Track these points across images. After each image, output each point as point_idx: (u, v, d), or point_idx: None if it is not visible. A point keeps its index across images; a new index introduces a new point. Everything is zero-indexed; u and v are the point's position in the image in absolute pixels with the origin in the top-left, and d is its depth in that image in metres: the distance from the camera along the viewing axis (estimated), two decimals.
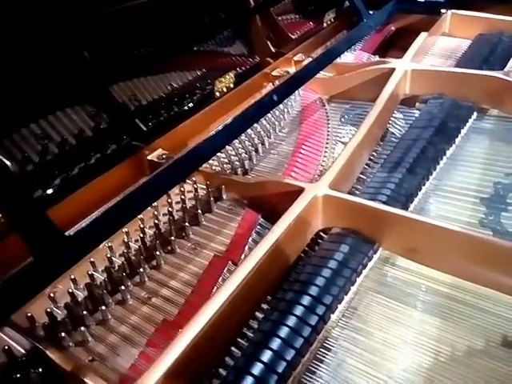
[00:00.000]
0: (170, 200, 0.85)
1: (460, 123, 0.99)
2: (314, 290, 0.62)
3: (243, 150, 1.01)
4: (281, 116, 1.11)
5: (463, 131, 0.99)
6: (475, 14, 1.43)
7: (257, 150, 1.02)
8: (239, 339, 0.61)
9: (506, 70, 1.19)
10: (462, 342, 0.61)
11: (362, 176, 0.92)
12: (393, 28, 1.53)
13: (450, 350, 0.60)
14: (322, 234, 0.78)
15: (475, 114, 1.04)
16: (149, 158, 0.90)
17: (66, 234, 0.56)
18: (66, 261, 0.55)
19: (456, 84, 1.08)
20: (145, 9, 0.95)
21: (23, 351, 0.58)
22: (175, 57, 1.03)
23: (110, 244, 0.76)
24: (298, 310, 0.59)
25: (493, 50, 1.27)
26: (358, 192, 0.86)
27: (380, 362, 0.60)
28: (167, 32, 1.01)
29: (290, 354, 0.55)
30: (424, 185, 0.85)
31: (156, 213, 0.82)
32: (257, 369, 0.53)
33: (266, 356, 0.54)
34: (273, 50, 1.22)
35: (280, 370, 0.54)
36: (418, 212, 0.81)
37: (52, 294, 0.67)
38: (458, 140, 0.97)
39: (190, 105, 0.99)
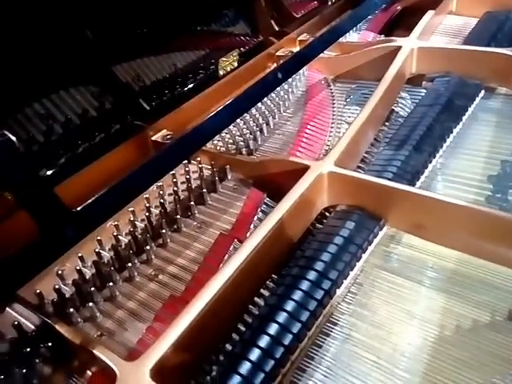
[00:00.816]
0: (175, 180, 0.85)
1: (467, 101, 0.98)
2: (319, 265, 0.62)
3: (248, 131, 1.00)
4: (285, 96, 1.11)
5: (470, 109, 0.98)
6: None
7: (261, 130, 1.01)
8: (245, 315, 0.62)
9: None
10: (468, 316, 0.61)
11: (367, 156, 0.91)
12: (399, 7, 1.50)
13: (455, 324, 0.61)
14: (327, 212, 0.78)
15: (483, 92, 1.03)
16: (153, 138, 0.90)
17: (73, 210, 0.56)
18: (72, 236, 0.55)
19: (463, 62, 1.06)
20: None
21: (33, 326, 0.59)
22: (178, 36, 1.02)
23: (116, 223, 0.76)
24: (304, 285, 0.60)
25: (500, 27, 1.24)
26: (365, 169, 0.85)
27: (386, 336, 0.60)
28: (170, 11, 1.00)
29: (296, 328, 0.55)
30: (430, 162, 0.84)
31: (161, 192, 0.82)
32: (263, 341, 0.53)
33: (273, 329, 0.55)
34: (277, 29, 1.20)
35: (287, 342, 0.54)
36: (425, 189, 0.81)
37: (60, 272, 0.67)
38: (465, 118, 0.96)
39: (194, 84, 0.98)
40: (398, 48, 1.09)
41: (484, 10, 1.36)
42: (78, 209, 0.57)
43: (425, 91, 1.06)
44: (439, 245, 0.70)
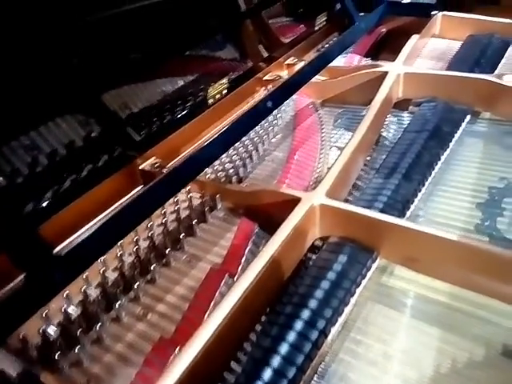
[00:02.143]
0: (163, 211, 0.83)
1: (454, 127, 0.99)
2: (313, 303, 0.61)
3: (237, 157, 0.99)
4: (274, 121, 1.10)
5: (457, 135, 0.99)
6: (465, 16, 1.43)
7: (251, 157, 1.00)
8: (240, 353, 0.60)
9: (496, 71, 1.20)
10: (463, 353, 0.61)
11: (357, 181, 0.91)
12: (384, 30, 1.52)
13: (450, 362, 0.60)
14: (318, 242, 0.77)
15: (468, 116, 1.05)
16: (141, 167, 0.89)
17: (59, 253, 0.54)
18: (59, 282, 0.53)
19: (448, 87, 1.08)
20: (135, 14, 0.93)
21: (15, 375, 0.57)
22: (166, 63, 1.01)
23: (103, 258, 0.74)
24: (298, 325, 0.58)
25: (483, 51, 1.27)
26: (354, 199, 0.85)
27: (380, 376, 0.59)
28: (158, 38, 1.00)
29: (291, 372, 0.54)
30: (420, 191, 0.85)
31: (150, 224, 0.81)
32: None
33: (267, 374, 0.53)
34: (265, 55, 1.21)
35: None
36: (414, 218, 0.81)
37: (44, 313, 0.65)
38: (452, 144, 0.97)
39: (184, 113, 0.97)
40: (385, 73, 1.11)
41: (467, 34, 1.39)
42: (64, 252, 0.55)
43: (411, 116, 1.07)
44: (432, 277, 0.69)
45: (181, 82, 1.03)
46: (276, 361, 0.55)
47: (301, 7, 1.40)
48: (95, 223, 0.67)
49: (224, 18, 1.11)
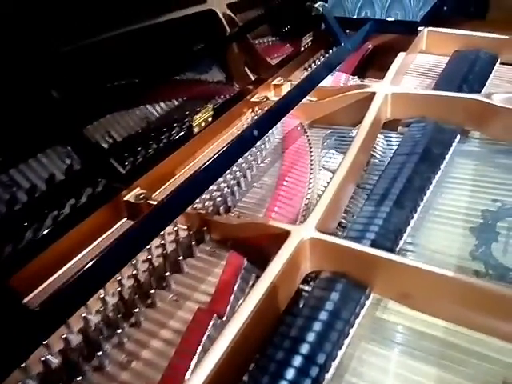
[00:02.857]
0: (149, 246, 0.80)
1: (444, 148, 0.98)
2: (305, 348, 0.59)
3: (225, 185, 0.97)
4: (262, 146, 1.08)
5: (447, 156, 0.97)
6: (451, 31, 1.43)
7: (239, 184, 0.98)
8: None
9: (485, 89, 1.19)
10: None
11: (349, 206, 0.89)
12: (370, 46, 1.52)
13: None
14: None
15: (458, 137, 1.03)
16: (125, 198, 0.86)
17: (33, 307, 0.51)
18: (36, 338, 0.50)
19: (437, 107, 1.07)
20: (119, 41, 0.91)
21: None
22: (151, 90, 0.99)
23: None
24: (290, 374, 0.56)
25: (471, 68, 1.26)
26: (346, 229, 0.83)
27: None
28: (141, 64, 0.97)
29: None
30: (412, 218, 0.83)
31: (134, 262, 0.77)
32: None
33: None
34: (251, 76, 1.19)
35: None
36: (406, 246, 0.79)
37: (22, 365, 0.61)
38: (443, 166, 0.95)
39: (170, 140, 0.95)
40: (373, 94, 1.09)
41: (453, 49, 1.39)
42: (41, 308, 0.51)
43: (401, 136, 1.06)
44: (426, 314, 0.67)
45: (166, 109, 1.01)
46: None
47: (286, 27, 1.39)
48: (76, 267, 0.64)
49: (209, 43, 1.09)
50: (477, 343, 0.64)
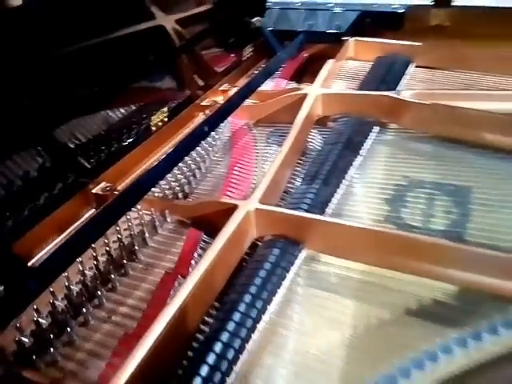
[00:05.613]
0: (118, 228, 0.93)
1: (363, 137, 1.18)
2: (253, 289, 0.75)
3: (182, 176, 1.12)
4: (213, 142, 1.24)
5: (366, 144, 1.17)
6: (374, 40, 1.66)
7: (194, 175, 1.13)
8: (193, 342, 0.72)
9: (399, 87, 1.41)
10: (375, 315, 0.76)
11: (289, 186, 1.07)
12: (306, 54, 1.72)
13: (364, 323, 0.75)
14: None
15: (378, 128, 1.24)
16: (93, 191, 0.99)
17: (32, 266, 0.64)
18: (34, 290, 0.63)
19: (359, 104, 1.27)
20: (78, 51, 1.03)
21: None
22: (111, 96, 1.12)
23: (66, 274, 0.83)
24: (242, 306, 0.71)
25: (388, 70, 1.49)
26: (285, 202, 1.00)
27: (309, 340, 0.73)
28: (100, 74, 1.10)
29: (237, 343, 0.67)
30: (336, 192, 1.01)
31: (106, 241, 0.90)
32: (211, 358, 0.64)
33: (218, 347, 0.66)
34: (200, 83, 1.35)
35: (230, 357, 0.66)
36: (334, 214, 0.97)
37: (18, 325, 0.73)
38: (363, 152, 1.15)
39: (130, 139, 1.08)
40: (305, 95, 1.28)
41: (376, 55, 1.61)
42: (37, 265, 0.64)
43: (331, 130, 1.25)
44: (350, 260, 0.85)
45: (126, 113, 1.15)
46: (225, 336, 0.67)
47: (230, 39, 1.56)
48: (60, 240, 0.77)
49: (162, 54, 1.24)
50: (388, 279, 0.82)
